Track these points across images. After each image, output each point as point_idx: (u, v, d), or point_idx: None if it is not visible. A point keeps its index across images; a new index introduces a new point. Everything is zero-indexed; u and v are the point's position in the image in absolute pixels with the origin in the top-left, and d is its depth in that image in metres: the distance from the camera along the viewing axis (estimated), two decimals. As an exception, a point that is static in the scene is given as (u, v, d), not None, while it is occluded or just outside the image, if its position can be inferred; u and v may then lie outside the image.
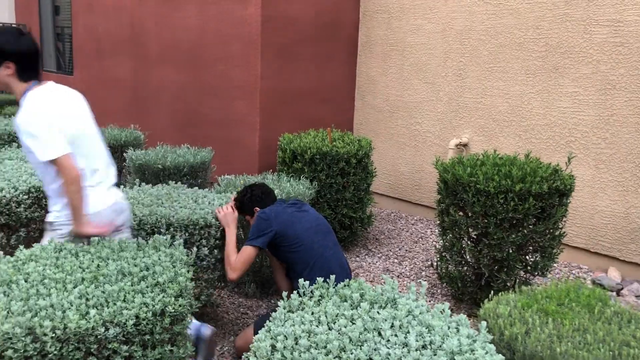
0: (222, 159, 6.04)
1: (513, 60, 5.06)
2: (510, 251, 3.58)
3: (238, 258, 3.10)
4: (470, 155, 3.97)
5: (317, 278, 2.30)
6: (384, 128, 6.21)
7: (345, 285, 2.27)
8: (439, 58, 5.62)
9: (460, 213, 3.71)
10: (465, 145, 5.46)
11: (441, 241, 4.02)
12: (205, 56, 6.20)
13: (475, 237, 3.69)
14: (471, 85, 5.38)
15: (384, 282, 3.01)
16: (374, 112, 6.29)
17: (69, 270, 2.34)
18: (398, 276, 4.54)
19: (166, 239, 2.75)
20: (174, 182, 4.89)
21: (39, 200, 3.79)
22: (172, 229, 3.09)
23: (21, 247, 2.61)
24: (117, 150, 5.86)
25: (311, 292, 2.27)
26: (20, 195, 3.66)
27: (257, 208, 3.31)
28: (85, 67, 8.60)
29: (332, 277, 2.28)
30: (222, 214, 3.26)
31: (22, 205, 3.67)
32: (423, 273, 4.60)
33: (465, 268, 3.76)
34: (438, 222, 4.03)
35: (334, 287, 2.27)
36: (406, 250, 5.08)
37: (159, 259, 2.50)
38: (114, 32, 7.77)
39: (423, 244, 5.24)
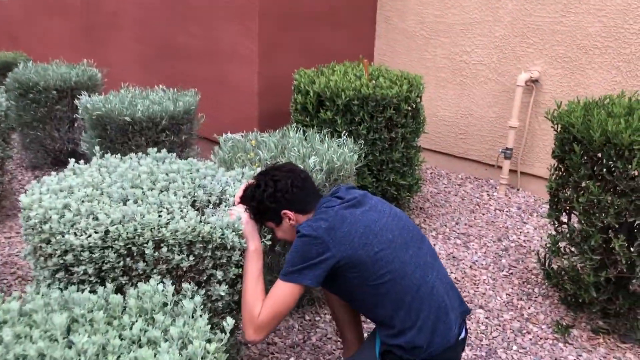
0: (208, 107, 4.59)
1: (612, -37, 3.69)
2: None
3: (268, 306, 1.76)
4: (608, 99, 2.65)
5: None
6: (417, 60, 4.81)
7: None
8: (499, -36, 4.19)
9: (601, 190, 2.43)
10: (535, 81, 4.14)
11: (554, 226, 2.76)
12: (179, -35, 4.62)
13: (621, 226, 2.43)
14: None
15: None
16: (402, 39, 4.87)
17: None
18: (471, 267, 3.29)
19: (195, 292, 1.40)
20: (145, 140, 3.48)
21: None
22: (164, 248, 1.73)
23: None
24: (65, 95, 4.34)
25: None
26: None
27: (287, 212, 1.95)
28: (20, -13, 6.81)
29: None
30: (245, 221, 1.91)
31: None
32: (503, 261, 3.36)
33: (608, 270, 2.51)
34: (551, 197, 2.76)
35: None
36: (467, 225, 3.82)
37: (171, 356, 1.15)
38: (54, -61, 6.02)
39: (484, 214, 3.98)
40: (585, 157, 2.44)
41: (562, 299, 2.90)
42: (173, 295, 1.65)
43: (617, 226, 2.37)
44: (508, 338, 2.67)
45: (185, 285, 1.57)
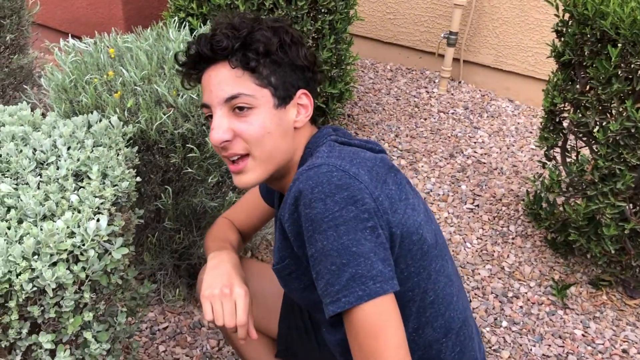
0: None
1: None
2: None
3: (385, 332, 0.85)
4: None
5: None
6: None
7: None
8: None
9: None
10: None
11: (545, 152, 2.03)
12: None
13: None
14: None
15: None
16: None
17: None
18: (425, 199, 2.55)
19: None
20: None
21: None
22: None
23: None
24: None
25: None
26: None
27: (308, 94, 1.04)
28: None
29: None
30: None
31: None
32: (463, 187, 2.64)
33: (632, 220, 1.84)
34: (547, 115, 1.99)
35: None
36: (408, 137, 3.03)
37: None
38: None
39: (426, 120, 3.20)
40: (623, 66, 1.64)
41: (549, 241, 2.25)
42: None
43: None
44: (493, 309, 2.01)
45: None
